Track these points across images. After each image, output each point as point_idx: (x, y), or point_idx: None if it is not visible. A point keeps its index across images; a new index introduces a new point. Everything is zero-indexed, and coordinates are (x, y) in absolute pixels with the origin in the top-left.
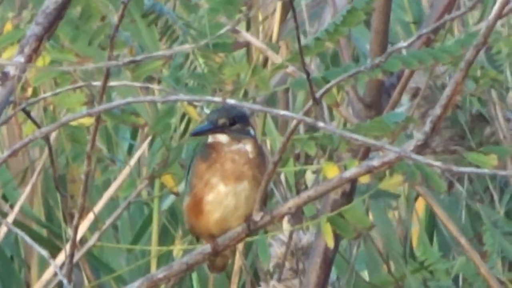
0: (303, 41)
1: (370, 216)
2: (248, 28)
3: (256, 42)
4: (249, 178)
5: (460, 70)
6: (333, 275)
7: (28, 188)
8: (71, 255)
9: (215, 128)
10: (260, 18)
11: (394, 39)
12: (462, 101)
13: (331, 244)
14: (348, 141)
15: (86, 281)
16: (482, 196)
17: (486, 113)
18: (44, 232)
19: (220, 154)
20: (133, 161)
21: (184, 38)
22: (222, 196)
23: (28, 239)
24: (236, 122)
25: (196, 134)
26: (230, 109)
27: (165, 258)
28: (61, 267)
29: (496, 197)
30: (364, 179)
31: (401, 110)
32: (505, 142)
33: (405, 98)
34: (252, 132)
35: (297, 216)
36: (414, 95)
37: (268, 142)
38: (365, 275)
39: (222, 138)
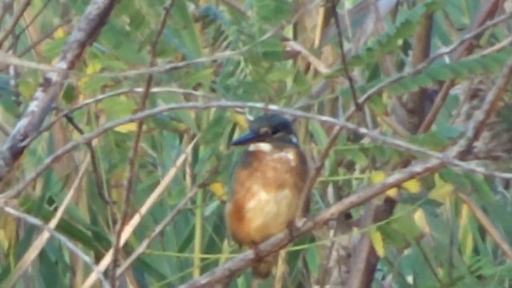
0: (345, 47)
1: (417, 216)
2: (295, 37)
3: (303, 50)
4: (290, 186)
5: (502, 76)
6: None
7: (71, 192)
8: (115, 261)
9: (257, 137)
10: (307, 27)
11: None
12: None
13: (381, 253)
14: (401, 153)
15: (130, 286)
16: None
17: None
18: (89, 234)
19: (262, 163)
20: (178, 163)
21: (236, 44)
22: (263, 204)
23: (71, 245)
24: (278, 131)
25: (238, 143)
26: (273, 118)
27: (210, 266)
28: (106, 271)
29: None
30: (414, 189)
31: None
32: None
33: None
34: (294, 140)
35: (342, 221)
36: (473, 97)
37: (313, 149)
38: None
39: (264, 146)
